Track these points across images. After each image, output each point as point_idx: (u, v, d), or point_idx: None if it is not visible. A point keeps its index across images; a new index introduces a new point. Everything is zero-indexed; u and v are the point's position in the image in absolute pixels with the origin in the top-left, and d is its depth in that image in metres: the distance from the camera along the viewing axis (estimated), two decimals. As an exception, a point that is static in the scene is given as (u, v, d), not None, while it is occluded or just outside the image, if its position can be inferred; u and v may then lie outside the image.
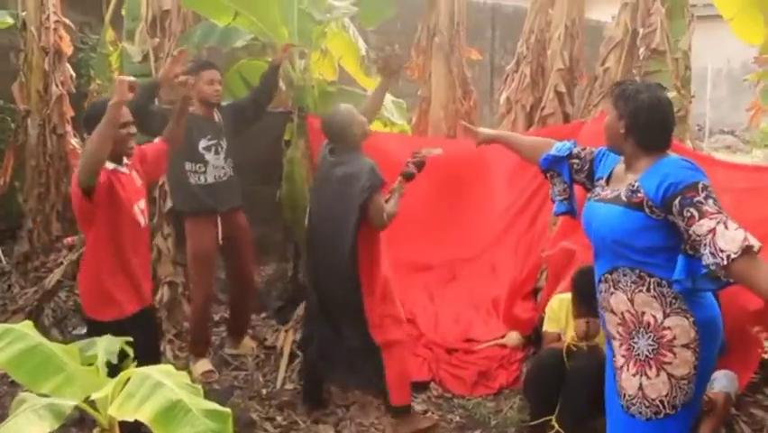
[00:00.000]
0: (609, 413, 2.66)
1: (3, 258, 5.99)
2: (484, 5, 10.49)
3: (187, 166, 4.23)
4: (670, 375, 2.41)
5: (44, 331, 4.55)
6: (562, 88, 4.97)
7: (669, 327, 2.39)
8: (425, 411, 4.07)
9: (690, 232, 2.24)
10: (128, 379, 2.33)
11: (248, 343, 4.75)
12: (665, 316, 2.40)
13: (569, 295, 3.83)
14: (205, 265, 4.38)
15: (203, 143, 4.22)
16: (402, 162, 4.90)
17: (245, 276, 4.60)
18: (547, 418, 3.64)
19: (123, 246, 3.21)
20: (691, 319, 2.39)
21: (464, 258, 5.09)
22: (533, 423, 3.69)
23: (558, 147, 2.85)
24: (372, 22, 5.60)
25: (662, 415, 2.43)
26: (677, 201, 2.28)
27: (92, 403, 2.44)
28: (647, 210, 2.37)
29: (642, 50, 4.69)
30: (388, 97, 5.60)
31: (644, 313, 2.44)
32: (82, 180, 2.97)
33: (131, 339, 2.83)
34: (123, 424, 2.49)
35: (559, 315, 3.89)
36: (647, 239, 2.40)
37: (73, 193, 3.08)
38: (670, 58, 4.57)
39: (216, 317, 5.11)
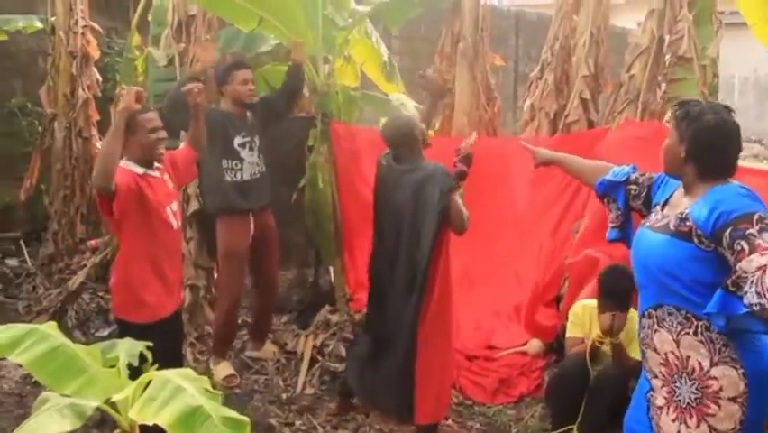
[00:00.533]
0: None
1: (28, 260, 6.07)
2: (508, 12, 10.49)
3: (224, 164, 4.27)
4: (711, 428, 2.22)
5: (67, 332, 4.59)
6: (587, 95, 4.93)
7: (716, 378, 2.20)
8: (446, 419, 4.05)
9: (738, 267, 2.05)
10: (149, 382, 2.35)
11: (269, 347, 4.75)
12: (712, 364, 2.20)
13: (593, 301, 3.80)
14: (237, 265, 4.40)
15: (238, 141, 4.27)
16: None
17: (270, 278, 4.62)
18: (569, 427, 3.61)
19: (156, 249, 3.25)
20: (741, 371, 2.18)
21: (486, 264, 5.04)
22: (555, 431, 3.66)
23: (615, 172, 2.70)
24: (396, 22, 5.59)
25: None
26: (728, 232, 2.09)
27: (113, 405, 2.47)
28: (696, 240, 2.19)
29: (668, 57, 4.62)
30: (412, 104, 5.62)
31: (689, 357, 2.25)
32: (95, 184, 3.04)
33: (151, 344, 2.85)
34: (143, 427, 2.53)
35: (583, 320, 3.86)
36: (694, 271, 2.20)
37: (96, 197, 3.14)
38: (697, 65, 4.51)
39: (239, 321, 5.11)
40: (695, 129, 2.25)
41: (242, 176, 4.30)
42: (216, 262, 4.76)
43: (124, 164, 3.15)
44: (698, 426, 2.23)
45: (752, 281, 1.98)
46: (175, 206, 3.37)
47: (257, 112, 4.42)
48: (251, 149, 4.32)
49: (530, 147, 3.12)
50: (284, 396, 4.27)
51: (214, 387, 3.71)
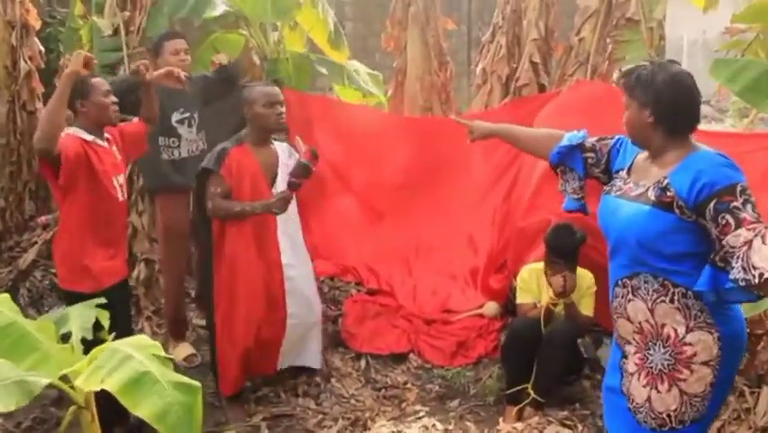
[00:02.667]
0: (610, 404, 2.52)
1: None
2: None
3: (161, 141, 4.15)
4: (682, 391, 2.22)
5: (20, 311, 4.51)
6: (537, 59, 4.97)
7: (690, 343, 2.19)
8: (405, 382, 4.12)
9: (724, 242, 2.02)
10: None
11: None
12: (688, 330, 2.19)
13: (538, 264, 3.87)
14: (177, 243, 4.33)
15: (175, 117, 4.14)
16: (373, 138, 4.91)
17: None
18: (523, 385, 3.69)
19: (99, 219, 3.23)
20: (716, 335, 2.18)
21: (442, 230, 5.09)
22: (509, 391, 3.74)
23: (569, 136, 2.58)
24: None
25: (667, 428, 2.26)
26: (711, 205, 2.05)
27: (67, 381, 2.44)
28: (677, 211, 2.14)
29: (616, 19, 4.67)
30: (365, 69, 5.58)
31: (664, 325, 2.23)
32: (37, 147, 2.99)
33: (104, 310, 2.84)
34: (105, 405, 2.51)
35: (530, 285, 3.91)
36: (676, 243, 2.16)
37: (39, 162, 3.12)
38: (644, 27, 4.56)
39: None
40: (655, 91, 2.19)
41: (179, 153, 4.19)
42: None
43: (73, 131, 3.13)
44: (668, 390, 2.23)
45: (737, 256, 1.97)
46: (121, 178, 3.33)
47: (198, 87, 4.25)
48: (189, 125, 4.20)
49: (464, 121, 2.95)
50: (244, 365, 4.27)
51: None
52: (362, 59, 6.01)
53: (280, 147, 3.74)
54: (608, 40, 4.78)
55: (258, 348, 3.68)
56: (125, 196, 3.37)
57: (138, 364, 2.18)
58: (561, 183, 2.64)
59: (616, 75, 4.69)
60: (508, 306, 4.53)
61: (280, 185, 3.61)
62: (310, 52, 5.59)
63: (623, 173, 2.38)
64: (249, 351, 3.65)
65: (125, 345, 2.34)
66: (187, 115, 4.19)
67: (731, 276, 1.98)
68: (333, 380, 4.07)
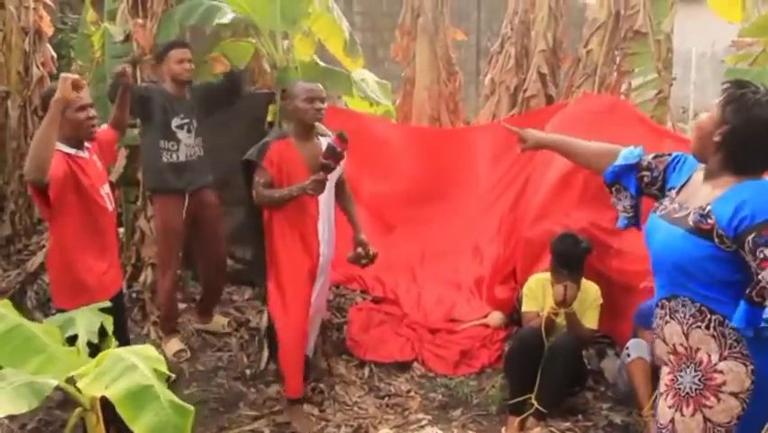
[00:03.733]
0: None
1: (-15, 242, 5.96)
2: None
3: (161, 144, 4.28)
4: (706, 419, 2.14)
5: (27, 314, 4.55)
6: (545, 70, 4.99)
7: (722, 371, 2.11)
8: (408, 391, 4.12)
9: (761, 277, 1.95)
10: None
11: (219, 320, 4.78)
12: (721, 358, 2.11)
13: (545, 274, 3.89)
14: (172, 243, 4.42)
15: (176, 122, 4.27)
16: (383, 148, 4.93)
17: (215, 254, 4.59)
18: (527, 396, 3.69)
19: (91, 232, 3.20)
20: (750, 368, 2.08)
21: (448, 239, 5.11)
22: (512, 401, 3.74)
23: (625, 155, 2.45)
24: None
25: None
26: (750, 238, 1.97)
27: (73, 383, 2.46)
28: (716, 239, 2.06)
29: (624, 31, 4.69)
30: (373, 78, 5.60)
31: (698, 350, 2.16)
32: (29, 178, 2.90)
33: (110, 317, 2.84)
34: (107, 408, 2.52)
35: (536, 293, 3.94)
36: (711, 270, 2.09)
37: (30, 188, 3.05)
38: (652, 39, 4.58)
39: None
40: (742, 118, 2.06)
41: (177, 157, 4.31)
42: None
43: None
44: (692, 415, 2.16)
45: None
46: (107, 187, 3.30)
47: (198, 96, 4.41)
48: (188, 131, 4.32)
49: (517, 130, 2.81)
50: (248, 372, 4.28)
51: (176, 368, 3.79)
52: (372, 68, 6.03)
53: (326, 141, 3.69)
54: (616, 52, 4.80)
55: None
56: (114, 205, 3.35)
57: (141, 377, 2.19)
58: (614, 200, 2.55)
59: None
60: (513, 316, 4.54)
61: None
62: (320, 61, 5.62)
63: (673, 192, 2.30)
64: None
65: (131, 353, 2.35)
66: (186, 120, 4.31)
67: (765, 314, 1.93)
68: (336, 387, 4.09)
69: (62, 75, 2.92)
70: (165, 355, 4.20)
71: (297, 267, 3.67)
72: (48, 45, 5.53)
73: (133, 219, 5.14)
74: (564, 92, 4.93)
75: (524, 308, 3.99)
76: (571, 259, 3.69)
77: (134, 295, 5.00)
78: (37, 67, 5.45)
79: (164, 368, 2.33)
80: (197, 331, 4.75)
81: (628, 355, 3.63)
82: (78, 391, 2.46)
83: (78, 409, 2.52)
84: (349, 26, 5.82)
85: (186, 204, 4.36)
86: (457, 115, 5.55)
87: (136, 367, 2.23)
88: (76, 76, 2.93)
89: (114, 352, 2.38)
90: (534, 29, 5.07)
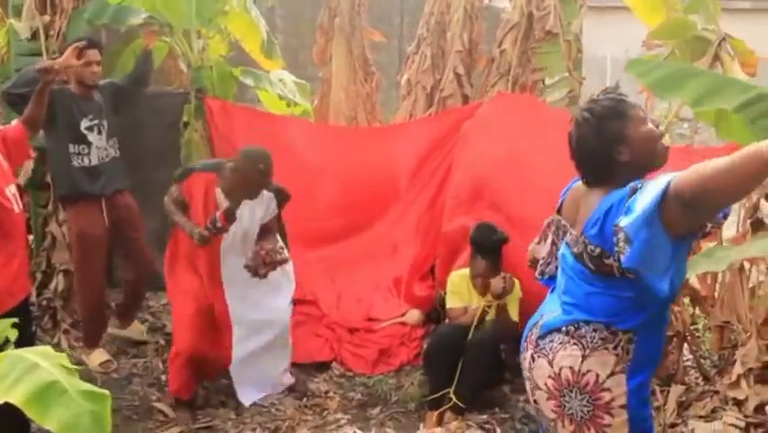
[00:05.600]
0: None
1: None
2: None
3: (71, 148, 4.11)
4: None
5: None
6: (461, 70, 5.06)
7: (608, 389, 2.12)
8: (327, 391, 4.10)
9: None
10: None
11: (137, 327, 4.67)
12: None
13: (467, 270, 3.94)
14: (91, 251, 4.24)
15: (84, 123, 4.11)
16: (298, 149, 4.93)
17: (139, 257, 4.44)
18: (445, 391, 3.72)
19: None
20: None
21: (365, 238, 5.10)
22: (431, 397, 3.77)
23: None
24: None
25: None
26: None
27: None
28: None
29: (536, 32, 4.80)
30: (291, 78, 5.58)
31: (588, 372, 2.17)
32: None
33: (15, 320, 2.71)
34: (7, 419, 2.42)
35: (461, 289, 3.99)
36: None
37: None
38: (562, 40, 4.71)
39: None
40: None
41: (89, 160, 4.15)
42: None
43: None
44: None
45: None
46: (13, 188, 3.16)
47: (106, 95, 4.25)
48: (99, 132, 4.16)
49: None
50: (163, 378, 4.18)
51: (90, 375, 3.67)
52: (294, 71, 5.99)
53: (248, 206, 3.78)
54: (528, 52, 4.91)
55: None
56: (21, 207, 3.21)
57: (45, 374, 2.08)
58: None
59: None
60: (431, 314, 4.57)
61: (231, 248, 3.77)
62: (240, 63, 5.56)
63: None
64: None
65: (30, 353, 2.25)
66: (96, 121, 4.15)
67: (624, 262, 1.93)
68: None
69: None
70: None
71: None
72: (-51, 44, 5.26)
73: (43, 224, 4.93)
74: (480, 91, 5.00)
75: (449, 305, 4.03)
76: (487, 246, 3.78)
77: (44, 303, 4.80)
78: (-64, 67, 5.17)
79: (67, 363, 2.24)
80: (113, 338, 4.61)
81: None
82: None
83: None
84: (266, 27, 5.77)
85: (103, 208, 4.21)
86: (374, 116, 5.57)
87: (38, 365, 2.12)
88: None
89: (11, 353, 2.26)
90: (449, 30, 5.13)
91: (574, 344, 2.13)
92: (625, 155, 2.06)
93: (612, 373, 2.10)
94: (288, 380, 4.08)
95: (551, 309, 2.28)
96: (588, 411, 2.13)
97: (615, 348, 2.10)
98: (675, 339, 3.97)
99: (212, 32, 5.00)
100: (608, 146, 2.06)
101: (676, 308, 3.87)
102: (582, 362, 2.11)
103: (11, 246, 3.14)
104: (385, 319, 4.66)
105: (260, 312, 3.87)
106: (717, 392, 3.64)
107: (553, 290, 2.36)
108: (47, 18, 4.73)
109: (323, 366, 4.34)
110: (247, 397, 3.91)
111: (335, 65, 5.19)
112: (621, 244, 1.83)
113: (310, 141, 5.07)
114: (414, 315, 4.64)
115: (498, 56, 4.86)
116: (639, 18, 5.09)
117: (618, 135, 2.05)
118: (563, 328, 2.17)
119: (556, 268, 2.32)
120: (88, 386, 2.13)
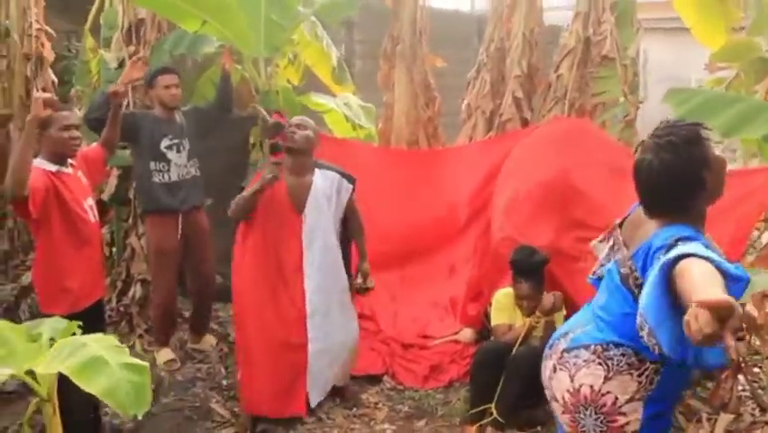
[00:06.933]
0: None
1: (-13, 258, 6.20)
2: (470, 17, 10.73)
3: (152, 165, 4.46)
4: None
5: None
6: (520, 94, 5.15)
7: (624, 413, 2.16)
8: (377, 403, 4.23)
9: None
10: (63, 347, 2.52)
11: (208, 339, 4.94)
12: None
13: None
14: (166, 261, 4.58)
15: (164, 143, 4.45)
16: (367, 170, 5.10)
17: (204, 276, 4.76)
18: (486, 406, 3.78)
19: (74, 243, 3.37)
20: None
21: (424, 260, 5.22)
22: (473, 411, 3.84)
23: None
24: (335, 20, 5.71)
25: None
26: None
27: (33, 376, 2.63)
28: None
29: (594, 56, 4.85)
30: (357, 102, 5.81)
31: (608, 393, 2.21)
32: (9, 194, 3.08)
33: (79, 322, 3.01)
34: (70, 401, 2.71)
35: (506, 307, 4.05)
36: None
37: (11, 203, 3.22)
38: (619, 64, 4.74)
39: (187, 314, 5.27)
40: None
41: (169, 177, 4.48)
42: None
43: (38, 163, 3.22)
44: None
45: None
46: (90, 201, 3.48)
47: (189, 118, 4.60)
48: (178, 151, 4.49)
49: None
50: (224, 383, 4.44)
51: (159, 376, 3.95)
52: (371, 95, 6.23)
53: (322, 175, 3.90)
54: (587, 77, 4.97)
55: (281, 378, 3.88)
56: (97, 218, 3.53)
57: (91, 350, 2.38)
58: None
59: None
60: (483, 332, 4.65)
61: (310, 211, 3.84)
62: (313, 89, 5.83)
63: None
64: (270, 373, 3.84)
65: (86, 338, 2.54)
66: (176, 141, 4.49)
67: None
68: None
69: (34, 95, 3.14)
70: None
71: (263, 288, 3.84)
72: (49, 71, 5.79)
73: (124, 237, 5.34)
74: (538, 115, 5.08)
75: (494, 322, 4.10)
76: (526, 268, 3.83)
77: (122, 309, 5.19)
78: (37, 91, 5.69)
79: (116, 344, 2.50)
80: (182, 343, 4.92)
81: None
82: (37, 382, 2.64)
83: (36, 400, 2.69)
84: (342, 53, 6.05)
85: (180, 223, 4.53)
86: (437, 139, 5.72)
87: (86, 345, 2.42)
88: (48, 95, 3.14)
89: (67, 339, 2.56)
90: (509, 56, 5.25)
91: (599, 364, 2.16)
92: (709, 181, 2.00)
93: (631, 399, 2.13)
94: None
95: (583, 323, 2.30)
96: (600, 432, 2.17)
97: (639, 375, 2.11)
98: (729, 367, 3.90)
99: (282, 59, 5.29)
100: (695, 172, 1.99)
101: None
102: (604, 383, 2.14)
103: (87, 252, 3.48)
104: (439, 337, 4.77)
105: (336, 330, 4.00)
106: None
107: (588, 303, 2.37)
108: (132, 48, 5.16)
109: (375, 379, 4.47)
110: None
111: (397, 90, 5.39)
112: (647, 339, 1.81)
113: (372, 164, 5.25)
114: (466, 333, 4.73)
115: (555, 80, 4.93)
116: (699, 40, 5.07)
117: (705, 160, 2.00)
118: (592, 347, 2.19)
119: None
120: (131, 360, 2.42)
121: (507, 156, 4.85)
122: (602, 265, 2.37)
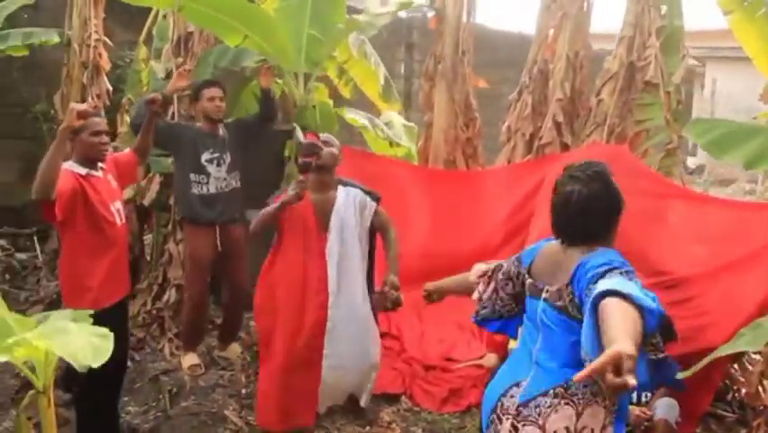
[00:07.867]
0: None
1: (40, 255, 6.46)
2: (518, 38, 10.60)
3: (191, 177, 4.54)
4: None
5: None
6: (561, 118, 5.04)
7: None
8: (391, 422, 4.18)
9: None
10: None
11: (235, 348, 4.98)
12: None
13: None
14: (198, 270, 4.66)
15: (205, 156, 4.53)
16: (393, 189, 5.10)
17: (237, 286, 4.79)
18: None
19: (99, 244, 3.46)
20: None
21: (456, 280, 5.15)
22: (482, 437, 3.74)
23: None
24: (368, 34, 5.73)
25: None
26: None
27: (32, 369, 2.70)
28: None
29: (636, 82, 4.72)
30: (399, 120, 5.82)
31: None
32: (36, 195, 3.16)
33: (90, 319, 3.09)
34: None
35: None
36: None
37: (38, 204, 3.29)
38: (663, 91, 4.59)
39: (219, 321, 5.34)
40: None
41: (207, 189, 4.54)
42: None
43: (69, 165, 3.32)
44: None
45: None
46: (119, 204, 3.57)
47: (232, 131, 4.67)
48: (218, 164, 4.56)
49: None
50: (244, 391, 4.47)
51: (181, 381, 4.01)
52: (426, 112, 6.25)
53: (344, 191, 3.91)
54: (630, 103, 4.83)
55: (295, 390, 3.87)
56: (123, 220, 3.62)
57: (63, 325, 2.50)
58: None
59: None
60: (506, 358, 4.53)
61: (333, 228, 3.84)
62: (360, 106, 5.88)
63: None
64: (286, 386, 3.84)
65: (64, 316, 2.68)
66: (216, 155, 4.56)
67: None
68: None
69: (70, 105, 3.25)
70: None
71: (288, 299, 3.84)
72: (105, 79, 6.00)
73: (163, 242, 5.46)
74: (578, 140, 4.96)
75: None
76: None
77: (155, 312, 5.30)
78: (92, 99, 5.90)
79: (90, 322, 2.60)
80: (209, 349, 4.99)
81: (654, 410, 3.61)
82: (34, 374, 2.71)
83: (32, 392, 2.75)
84: (386, 72, 6.08)
85: (217, 234, 4.60)
86: (475, 160, 5.65)
87: (66, 324, 2.53)
88: (83, 106, 3.23)
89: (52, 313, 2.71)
90: (552, 78, 5.15)
91: (566, 404, 2.17)
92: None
93: (604, 427, 2.16)
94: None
95: (519, 375, 2.32)
96: None
97: (603, 400, 2.15)
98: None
99: (335, 76, 5.33)
100: (619, 199, 2.25)
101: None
102: (577, 420, 2.16)
103: (113, 254, 3.57)
104: (463, 360, 4.68)
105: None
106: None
107: (513, 356, 2.44)
108: (180, 60, 5.30)
109: (392, 398, 4.42)
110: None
111: (437, 109, 5.36)
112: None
113: (405, 182, 5.23)
114: (491, 359, 4.63)
115: (596, 105, 4.81)
116: (760, 70, 4.86)
117: (618, 190, 2.26)
118: (551, 391, 2.20)
119: (490, 313, 2.53)
120: (96, 329, 2.50)
121: (543, 179, 4.75)
122: (483, 307, 2.58)
